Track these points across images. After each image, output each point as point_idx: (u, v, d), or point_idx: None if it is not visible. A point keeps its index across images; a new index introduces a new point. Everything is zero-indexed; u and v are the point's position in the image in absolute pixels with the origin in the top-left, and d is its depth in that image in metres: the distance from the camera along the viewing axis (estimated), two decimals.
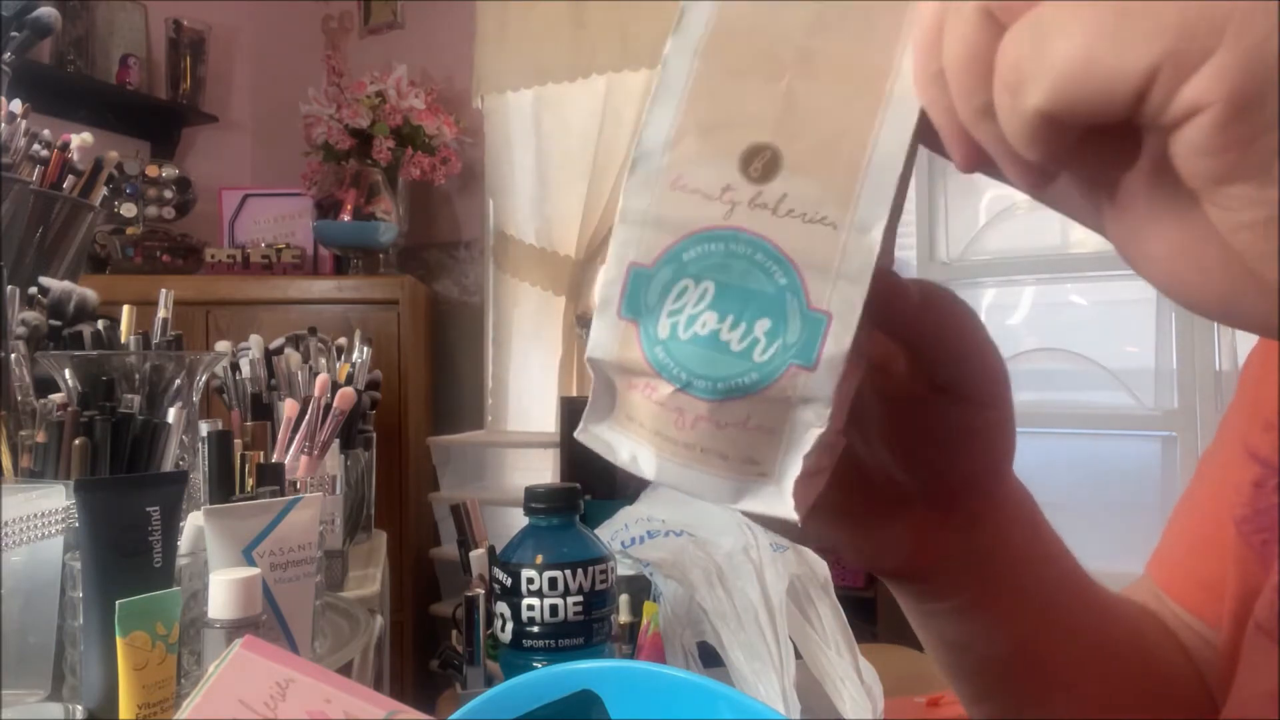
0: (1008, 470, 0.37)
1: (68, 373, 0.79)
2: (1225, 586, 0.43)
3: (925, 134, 0.26)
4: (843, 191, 0.26)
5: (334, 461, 1.09)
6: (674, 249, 0.27)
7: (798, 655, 0.72)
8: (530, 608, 0.69)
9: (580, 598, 0.70)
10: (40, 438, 0.72)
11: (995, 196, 1.78)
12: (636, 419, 0.29)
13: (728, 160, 0.26)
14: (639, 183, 0.27)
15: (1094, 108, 0.20)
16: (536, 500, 0.73)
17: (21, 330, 0.85)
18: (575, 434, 0.30)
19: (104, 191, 1.16)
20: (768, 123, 0.26)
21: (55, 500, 0.63)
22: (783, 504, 0.28)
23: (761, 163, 0.26)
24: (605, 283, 0.28)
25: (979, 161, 0.25)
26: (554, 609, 0.69)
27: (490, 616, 0.74)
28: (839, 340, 0.26)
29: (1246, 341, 0.43)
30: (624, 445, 0.29)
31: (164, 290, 0.96)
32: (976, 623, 0.40)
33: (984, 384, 0.34)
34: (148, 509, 0.59)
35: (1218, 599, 0.44)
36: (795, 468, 0.27)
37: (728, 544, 0.78)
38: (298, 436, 1.04)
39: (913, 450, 0.35)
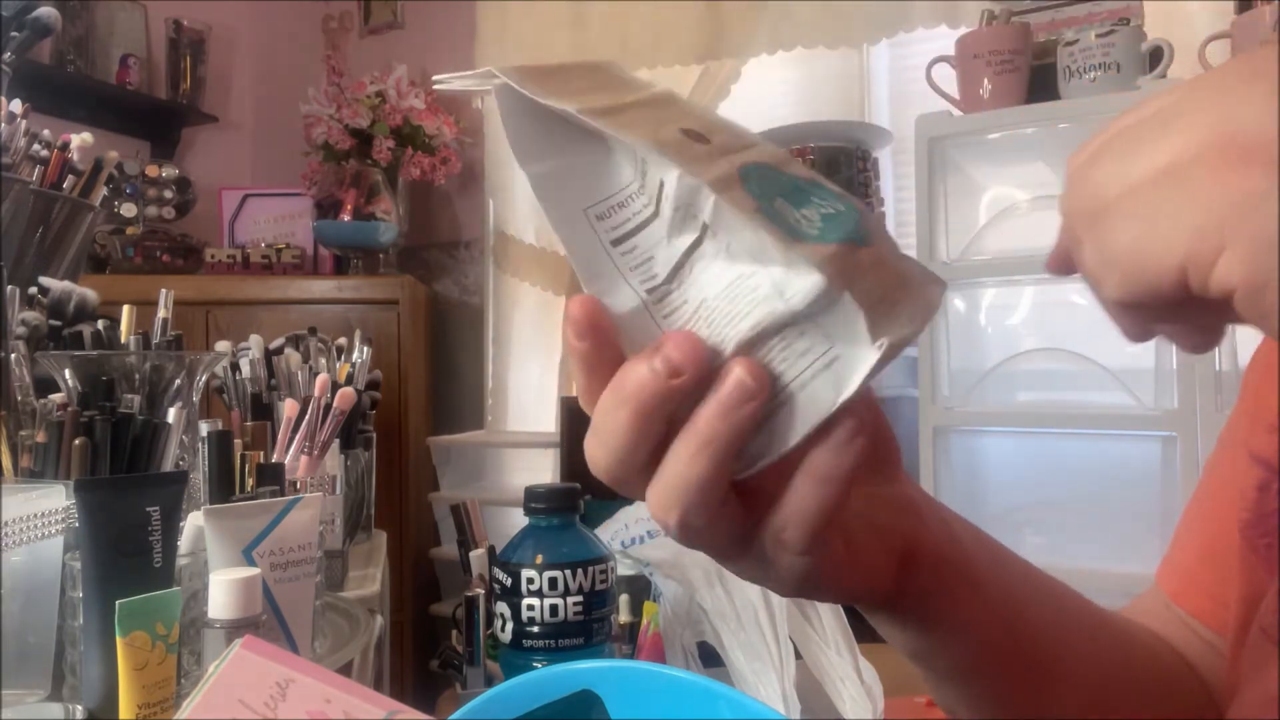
0: (900, 476, 0.37)
1: (68, 373, 0.79)
2: (1222, 589, 0.43)
3: None
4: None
5: (334, 461, 1.09)
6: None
7: (798, 655, 0.72)
8: (530, 608, 0.69)
9: (580, 598, 0.70)
10: (40, 438, 0.72)
11: (995, 196, 1.78)
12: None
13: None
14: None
15: (1153, 295, 0.26)
16: (536, 500, 0.73)
17: (21, 330, 0.85)
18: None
19: (104, 191, 1.16)
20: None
21: (55, 500, 0.63)
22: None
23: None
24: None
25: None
26: (554, 609, 0.69)
27: (490, 616, 0.74)
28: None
29: (1247, 342, 0.43)
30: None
31: (164, 290, 0.96)
32: (934, 635, 0.40)
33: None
34: (148, 509, 0.59)
35: (1225, 607, 0.44)
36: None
37: None
38: (298, 436, 1.04)
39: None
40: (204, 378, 0.88)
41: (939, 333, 1.70)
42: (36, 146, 1.07)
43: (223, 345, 1.24)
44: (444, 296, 2.93)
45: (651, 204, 0.29)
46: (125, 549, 0.58)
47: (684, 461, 0.29)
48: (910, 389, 2.04)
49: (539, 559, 0.70)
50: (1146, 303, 0.26)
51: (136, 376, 0.82)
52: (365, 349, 1.39)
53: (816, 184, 0.30)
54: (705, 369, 0.28)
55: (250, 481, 0.83)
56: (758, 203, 0.27)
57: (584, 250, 0.29)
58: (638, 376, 0.28)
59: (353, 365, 1.32)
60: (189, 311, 2.24)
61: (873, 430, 0.29)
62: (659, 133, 0.28)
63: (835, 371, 0.28)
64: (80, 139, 1.11)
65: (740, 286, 0.28)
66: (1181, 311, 0.26)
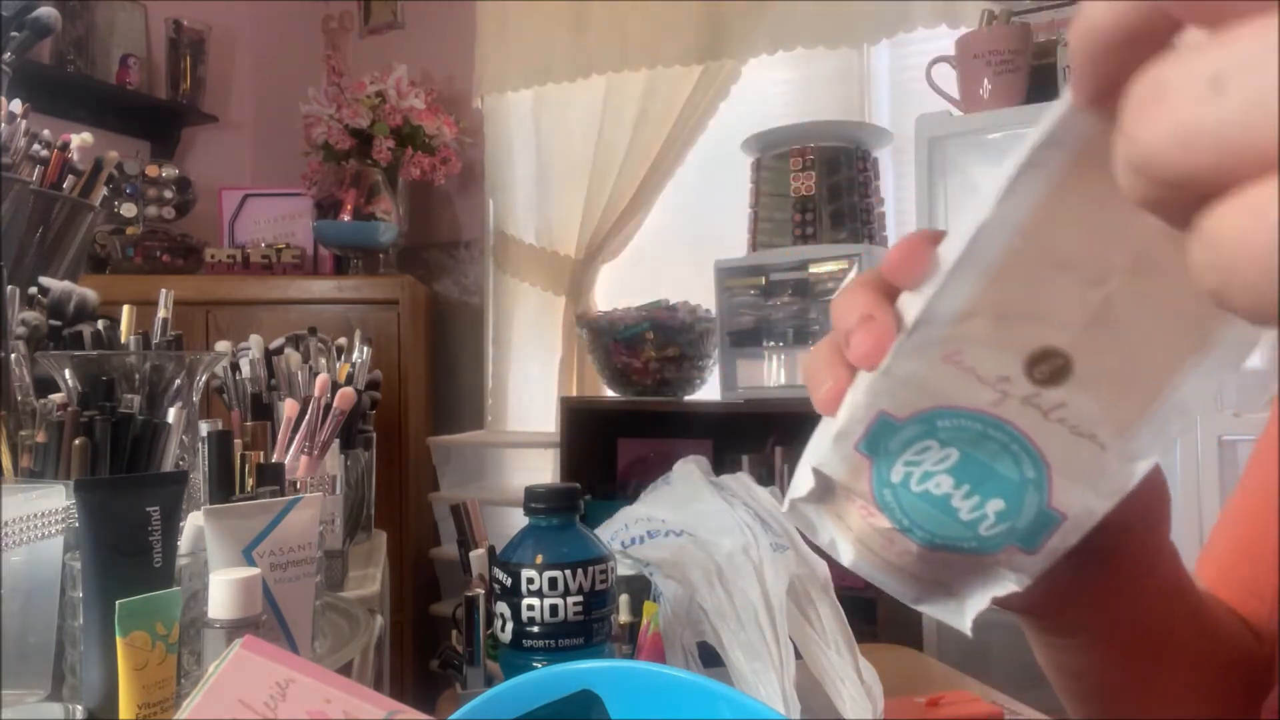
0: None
1: (68, 373, 0.79)
2: (1271, 589, 0.43)
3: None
4: (1125, 420, 0.25)
5: (334, 461, 1.09)
6: (928, 413, 0.26)
7: (798, 655, 0.72)
8: (530, 608, 0.69)
9: (580, 598, 0.70)
10: (40, 438, 0.72)
11: None
12: (847, 521, 0.29)
13: (1014, 354, 0.25)
14: (914, 348, 0.26)
15: None
16: (536, 500, 0.73)
17: (21, 330, 0.85)
18: (783, 509, 0.30)
19: (104, 191, 1.16)
20: (1070, 329, 0.24)
21: (55, 500, 0.63)
22: (962, 620, 0.29)
23: (1050, 368, 0.25)
24: (850, 418, 0.27)
25: None
26: (554, 609, 0.69)
27: (490, 616, 0.74)
28: (1066, 538, 0.27)
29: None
30: (828, 531, 0.30)
31: (164, 290, 0.96)
32: (1095, 655, 0.40)
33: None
34: (148, 509, 0.59)
35: (1260, 600, 0.44)
36: (983, 602, 0.28)
37: (728, 544, 0.78)
38: (298, 436, 1.04)
39: None
40: (204, 378, 0.88)
41: None
42: (36, 146, 1.07)
43: (223, 345, 1.24)
44: (444, 296, 2.93)
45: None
46: (125, 549, 0.58)
47: None
48: None
49: (539, 559, 0.70)
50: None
51: (136, 376, 0.82)
52: (365, 349, 1.39)
53: (1020, 507, 0.27)
54: None
55: (250, 481, 0.83)
56: (908, 422, 0.27)
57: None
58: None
59: (353, 365, 1.32)
60: (189, 311, 2.24)
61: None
62: (1024, 317, 0.25)
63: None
64: (80, 139, 1.11)
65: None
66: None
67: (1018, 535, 0.27)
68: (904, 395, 0.26)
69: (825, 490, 0.29)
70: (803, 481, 0.30)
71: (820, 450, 0.28)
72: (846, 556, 0.30)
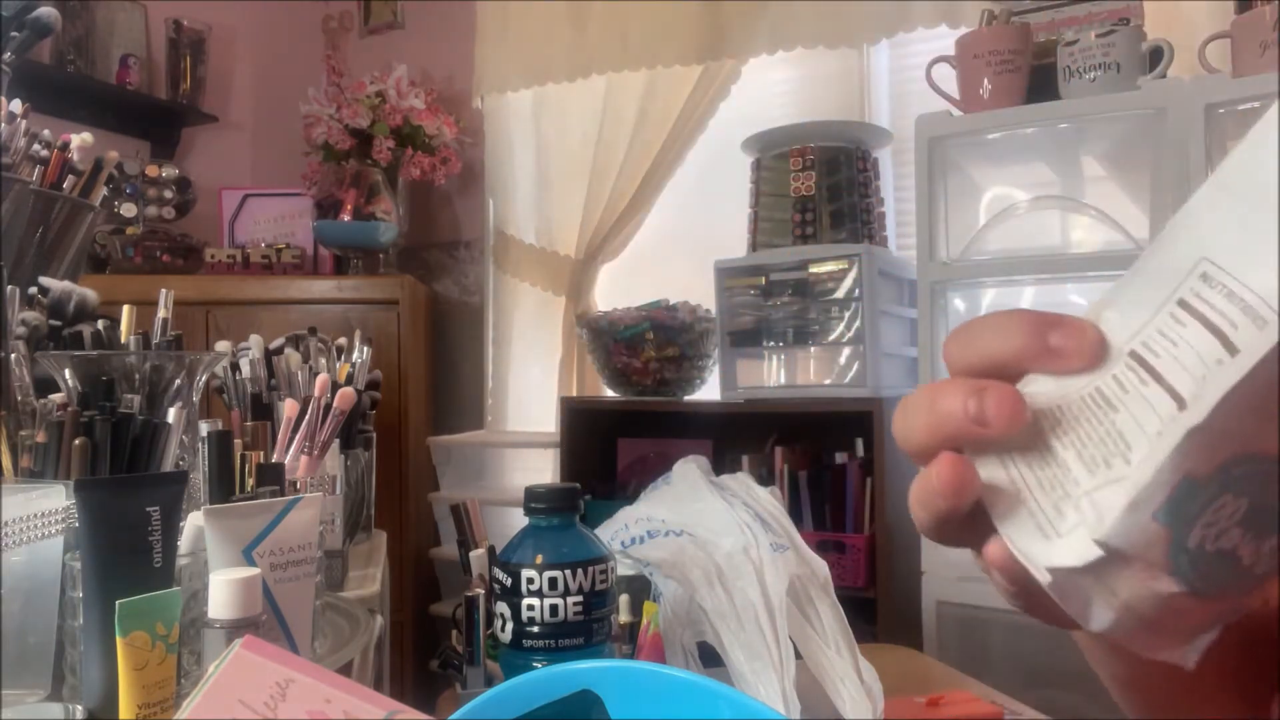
0: None
1: (68, 373, 0.79)
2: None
3: None
4: None
5: (334, 461, 1.09)
6: (1224, 464, 0.25)
7: (798, 655, 0.72)
8: (530, 608, 0.69)
9: (580, 598, 0.70)
10: (40, 438, 0.72)
11: (995, 196, 1.78)
12: (1114, 586, 0.27)
13: None
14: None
15: None
16: (536, 500, 0.73)
17: (21, 330, 0.85)
18: (1044, 580, 0.28)
19: (104, 191, 1.16)
20: None
21: (55, 500, 0.63)
22: (1187, 660, 0.28)
23: None
24: (1150, 483, 0.25)
25: None
26: (554, 609, 0.69)
27: (490, 616, 0.74)
28: None
29: None
30: (1088, 595, 0.28)
31: (164, 290, 0.96)
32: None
33: None
34: (148, 509, 0.59)
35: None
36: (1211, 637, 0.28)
37: (728, 544, 0.78)
38: (298, 436, 1.04)
39: None
40: (204, 378, 0.88)
41: (939, 333, 1.70)
42: (36, 146, 1.07)
43: (223, 345, 1.24)
44: (444, 296, 2.93)
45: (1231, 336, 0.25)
46: (125, 549, 0.58)
47: None
48: (910, 389, 2.04)
49: (539, 559, 0.70)
50: None
51: (136, 376, 0.82)
52: (365, 349, 1.39)
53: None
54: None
55: (250, 481, 0.83)
56: (1211, 476, 0.25)
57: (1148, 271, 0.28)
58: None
59: (353, 365, 1.32)
60: (189, 311, 2.24)
61: None
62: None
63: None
64: (80, 139, 1.11)
65: (1111, 447, 0.27)
66: None
67: None
68: (1210, 449, 0.25)
69: (1105, 561, 0.27)
70: (1078, 551, 0.27)
71: (1113, 529, 0.26)
72: (1102, 622, 0.28)
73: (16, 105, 1.05)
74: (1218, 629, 0.28)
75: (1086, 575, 0.27)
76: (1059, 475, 0.27)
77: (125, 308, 0.93)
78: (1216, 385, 0.24)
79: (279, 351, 1.27)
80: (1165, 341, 0.25)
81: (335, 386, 1.08)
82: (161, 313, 0.94)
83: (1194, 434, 0.24)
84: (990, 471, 0.29)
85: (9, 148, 1.02)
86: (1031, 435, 0.28)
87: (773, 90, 2.49)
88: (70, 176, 1.10)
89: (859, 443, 2.03)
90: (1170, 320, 0.25)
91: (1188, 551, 0.25)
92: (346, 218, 2.59)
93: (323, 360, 1.30)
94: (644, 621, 0.77)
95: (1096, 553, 0.26)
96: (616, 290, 2.63)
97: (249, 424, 1.03)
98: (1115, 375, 0.27)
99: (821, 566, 0.80)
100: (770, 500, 0.85)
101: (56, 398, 0.79)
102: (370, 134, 2.61)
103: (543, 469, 2.50)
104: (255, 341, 1.24)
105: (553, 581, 0.69)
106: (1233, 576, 0.26)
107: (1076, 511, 0.27)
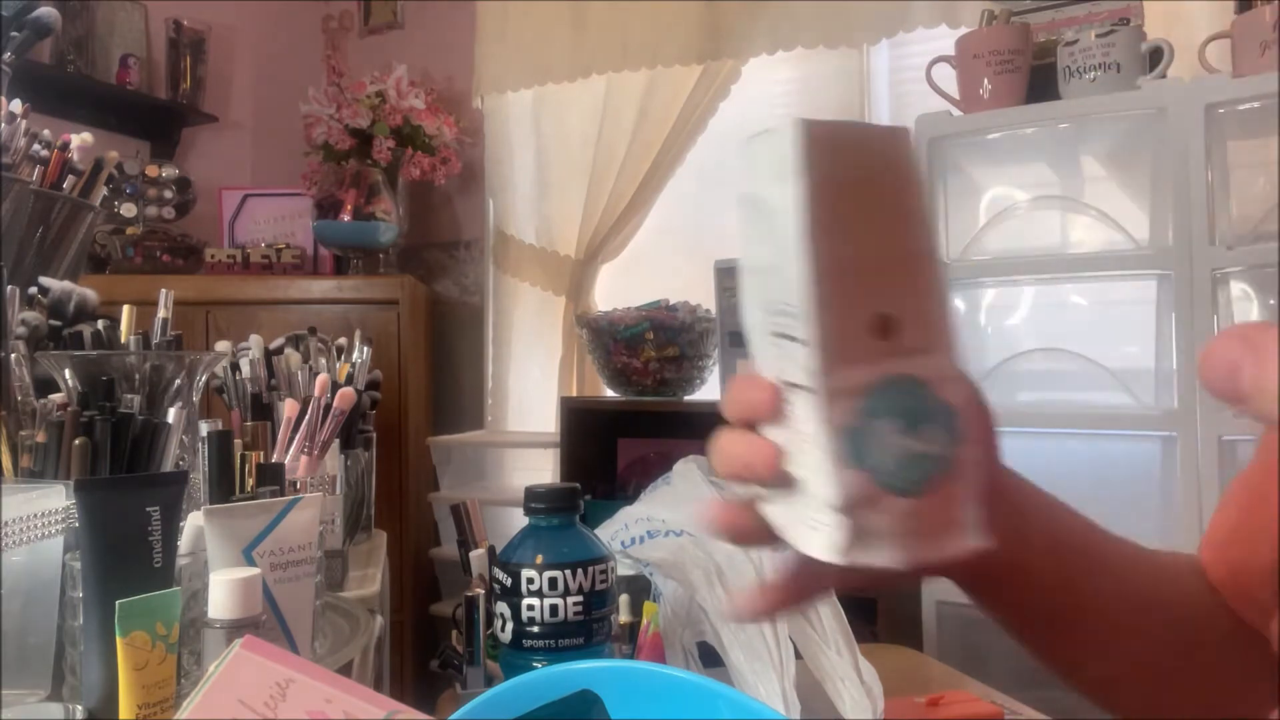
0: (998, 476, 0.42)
1: (68, 373, 0.79)
2: (1268, 599, 0.43)
3: None
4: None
5: (334, 461, 1.09)
6: (859, 401, 0.33)
7: (798, 655, 0.72)
8: (530, 608, 0.69)
9: (580, 598, 0.70)
10: (40, 438, 0.72)
11: (995, 196, 1.78)
12: (874, 530, 0.33)
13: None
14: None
15: None
16: (536, 500, 0.73)
17: (21, 330, 0.85)
18: (837, 556, 0.34)
19: (104, 191, 1.16)
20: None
21: (55, 500, 0.63)
22: (983, 540, 0.35)
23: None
24: (827, 450, 0.33)
25: None
26: (554, 609, 0.69)
27: (490, 616, 0.74)
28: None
29: None
30: (879, 547, 0.34)
31: (164, 290, 0.96)
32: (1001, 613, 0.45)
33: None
34: (148, 509, 0.59)
35: (1259, 610, 0.44)
36: (978, 512, 0.35)
37: (727, 544, 0.78)
38: (298, 436, 1.04)
39: None
40: (204, 378, 0.88)
41: None
42: (36, 146, 1.07)
43: (223, 345, 1.24)
44: (444, 296, 2.93)
45: (800, 334, 0.33)
46: (125, 549, 0.58)
47: None
48: None
49: (539, 559, 0.70)
50: None
51: (136, 376, 0.82)
52: (365, 349, 1.39)
53: (941, 417, 0.33)
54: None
55: (250, 481, 0.83)
56: (858, 420, 0.32)
57: (753, 327, 0.36)
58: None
59: (353, 365, 1.32)
60: (189, 311, 2.24)
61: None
62: (844, 316, 0.32)
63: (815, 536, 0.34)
64: (80, 139, 1.11)
65: (809, 452, 0.34)
66: None
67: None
68: (841, 403, 0.33)
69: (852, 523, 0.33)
70: (833, 531, 0.33)
71: (829, 493, 0.33)
72: (896, 559, 0.34)
73: (16, 105, 1.05)
74: (972, 514, 0.34)
75: (855, 539, 0.33)
76: (801, 488, 0.34)
77: (125, 308, 0.93)
78: (803, 364, 0.32)
79: (279, 351, 1.27)
80: (786, 360, 0.34)
81: (335, 386, 1.08)
82: (161, 313, 0.94)
83: (823, 400, 0.32)
84: (765, 501, 0.37)
85: (9, 148, 1.02)
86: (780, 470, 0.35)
87: (773, 90, 2.48)
88: (70, 176, 1.10)
89: None
90: (774, 343, 0.34)
91: (887, 471, 0.32)
92: (346, 218, 2.59)
93: (323, 360, 1.30)
94: (644, 621, 0.77)
95: (845, 522, 0.33)
96: (616, 290, 2.63)
97: (249, 424, 1.03)
98: (789, 400, 0.34)
99: None
100: None
101: (56, 398, 0.79)
102: (370, 134, 2.61)
103: (543, 469, 2.50)
104: (255, 341, 1.24)
105: (553, 581, 0.69)
106: (930, 467, 0.33)
107: (819, 506, 0.33)
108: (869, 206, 0.32)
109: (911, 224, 0.33)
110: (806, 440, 0.33)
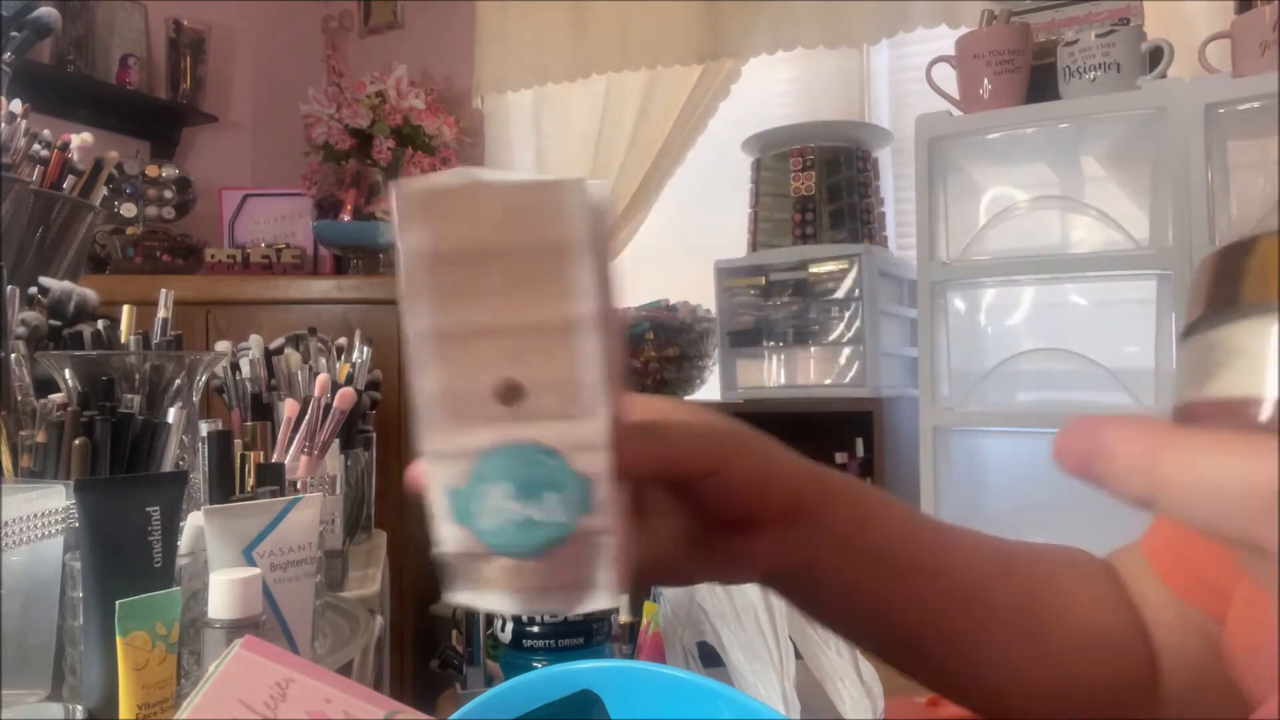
0: (783, 482, 0.43)
1: (68, 373, 0.79)
2: (1221, 576, 0.43)
3: None
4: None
5: (334, 461, 1.09)
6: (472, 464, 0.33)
7: (798, 655, 0.72)
8: None
9: None
10: (40, 438, 0.72)
11: (995, 196, 1.78)
12: (486, 578, 0.34)
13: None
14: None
15: None
16: None
17: (21, 330, 0.85)
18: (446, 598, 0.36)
19: (104, 191, 1.16)
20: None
21: (55, 500, 0.63)
22: (614, 600, 0.34)
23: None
24: (438, 512, 0.34)
25: None
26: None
27: (490, 617, 0.74)
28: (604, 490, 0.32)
29: None
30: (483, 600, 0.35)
31: (164, 290, 0.96)
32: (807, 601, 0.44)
33: (710, 460, 0.38)
34: (148, 509, 0.59)
35: (1212, 591, 0.44)
36: (611, 575, 0.33)
37: None
38: (298, 436, 1.04)
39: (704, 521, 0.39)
40: (204, 378, 0.88)
41: (939, 333, 1.70)
42: (36, 146, 1.07)
43: (223, 345, 1.24)
44: None
45: None
46: (125, 549, 0.58)
47: None
48: (910, 389, 2.04)
49: None
50: None
51: (136, 376, 0.82)
52: (365, 349, 1.39)
53: (568, 486, 0.32)
54: None
55: (250, 481, 0.83)
56: (463, 482, 0.33)
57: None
58: None
59: (353, 365, 1.32)
60: (189, 311, 2.24)
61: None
62: (460, 378, 0.32)
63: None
64: (80, 139, 1.11)
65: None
66: None
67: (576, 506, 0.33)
68: (445, 466, 0.35)
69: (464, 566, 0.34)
70: (469, 597, 0.34)
71: (439, 540, 0.34)
72: (509, 608, 0.34)
73: (16, 105, 1.05)
74: (604, 577, 0.34)
75: (462, 585, 0.34)
76: None
77: (125, 308, 0.93)
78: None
79: (279, 351, 1.27)
80: None
81: (335, 386, 1.08)
82: (161, 313, 0.94)
83: (426, 459, 0.34)
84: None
85: (9, 148, 1.02)
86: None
87: (773, 90, 2.49)
88: (70, 176, 1.10)
89: (859, 442, 2.03)
90: None
91: (491, 533, 0.33)
92: (346, 218, 2.59)
93: (323, 360, 1.30)
94: (644, 621, 0.77)
95: (451, 567, 0.34)
96: None
97: (249, 424, 1.03)
98: None
99: None
100: None
101: (56, 398, 0.79)
102: (370, 134, 2.61)
103: None
104: (255, 341, 1.24)
105: None
106: (546, 533, 0.33)
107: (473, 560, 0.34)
108: (500, 269, 0.30)
109: (557, 289, 0.30)
110: None
